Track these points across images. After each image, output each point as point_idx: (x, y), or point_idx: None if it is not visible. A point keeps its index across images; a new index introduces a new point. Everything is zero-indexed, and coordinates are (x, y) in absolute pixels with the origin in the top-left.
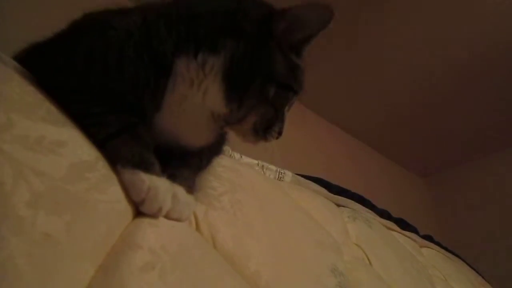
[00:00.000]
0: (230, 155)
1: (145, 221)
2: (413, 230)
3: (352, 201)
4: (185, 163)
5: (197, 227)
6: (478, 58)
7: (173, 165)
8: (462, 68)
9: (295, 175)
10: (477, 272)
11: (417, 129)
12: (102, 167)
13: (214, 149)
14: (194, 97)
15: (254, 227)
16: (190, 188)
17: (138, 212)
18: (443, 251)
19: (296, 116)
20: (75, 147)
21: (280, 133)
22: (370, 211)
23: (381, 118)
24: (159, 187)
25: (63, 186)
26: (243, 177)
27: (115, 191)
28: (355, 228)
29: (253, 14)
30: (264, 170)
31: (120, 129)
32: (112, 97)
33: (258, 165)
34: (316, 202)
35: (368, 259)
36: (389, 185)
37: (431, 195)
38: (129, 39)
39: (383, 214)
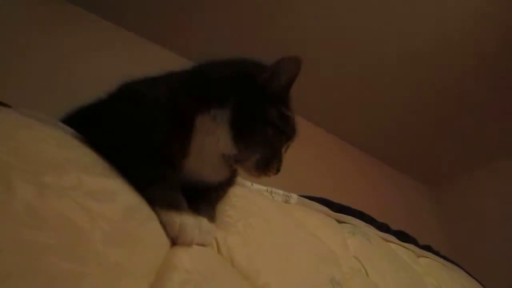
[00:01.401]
0: (243, 184)
1: (180, 249)
2: (412, 241)
3: (352, 218)
4: (206, 197)
5: (219, 250)
6: (485, 67)
7: (197, 200)
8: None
9: (300, 197)
10: (477, 280)
11: (423, 137)
12: (145, 208)
13: (228, 181)
14: (210, 143)
15: (264, 246)
16: (211, 218)
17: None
18: (441, 260)
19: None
20: (125, 194)
21: (278, 170)
22: (369, 225)
23: (387, 128)
24: (187, 224)
25: (121, 226)
26: (254, 203)
27: (156, 226)
28: (354, 242)
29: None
30: (273, 194)
31: (156, 177)
32: (149, 151)
33: (267, 190)
34: (319, 220)
35: (365, 270)
36: (394, 194)
37: (438, 203)
38: (159, 106)
39: (382, 227)
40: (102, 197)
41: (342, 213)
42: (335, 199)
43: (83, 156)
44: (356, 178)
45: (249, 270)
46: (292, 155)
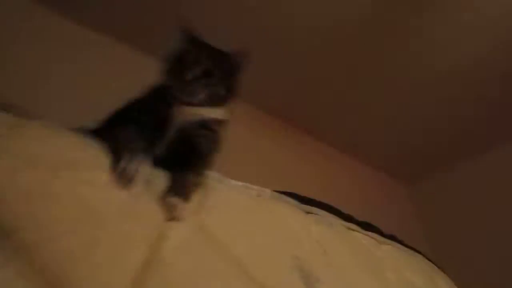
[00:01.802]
0: (221, 180)
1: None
2: (376, 231)
3: (319, 209)
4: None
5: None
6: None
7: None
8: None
9: (273, 192)
10: (436, 265)
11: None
12: (143, 197)
13: None
14: None
15: (237, 226)
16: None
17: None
18: (403, 247)
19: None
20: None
21: None
22: (334, 216)
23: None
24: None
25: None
26: (229, 194)
27: (153, 208)
28: (317, 229)
29: None
30: (247, 189)
31: None
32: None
33: (243, 186)
34: (287, 210)
35: (325, 250)
36: (371, 192)
37: (416, 203)
38: None
39: (348, 218)
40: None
41: (310, 205)
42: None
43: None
44: (328, 176)
45: (224, 243)
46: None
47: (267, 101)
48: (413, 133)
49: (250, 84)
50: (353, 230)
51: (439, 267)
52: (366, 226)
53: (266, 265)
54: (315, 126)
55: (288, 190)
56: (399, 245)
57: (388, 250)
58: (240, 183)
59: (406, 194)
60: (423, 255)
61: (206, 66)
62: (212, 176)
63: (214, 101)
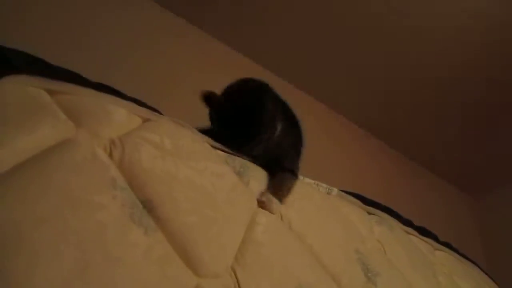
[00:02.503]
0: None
1: (261, 212)
2: (433, 237)
3: (381, 212)
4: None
5: (282, 218)
6: None
7: None
8: None
9: (340, 191)
10: (492, 279)
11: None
12: (241, 184)
13: None
14: None
15: (311, 219)
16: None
17: None
18: (456, 255)
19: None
20: (230, 174)
21: None
22: (394, 219)
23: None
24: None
25: (229, 193)
26: (306, 191)
27: (248, 196)
28: (379, 229)
29: None
30: (318, 187)
31: None
32: None
33: (314, 183)
34: (352, 209)
35: (384, 249)
36: (435, 202)
37: (478, 216)
38: None
39: (406, 222)
40: (216, 176)
41: (372, 207)
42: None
43: (207, 150)
44: (397, 182)
45: (300, 233)
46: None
47: (347, 108)
48: (480, 148)
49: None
50: (411, 234)
51: (492, 279)
52: (423, 232)
53: (334, 255)
54: (390, 134)
55: (355, 191)
56: (452, 253)
57: (442, 256)
58: (312, 181)
59: (469, 206)
60: (476, 264)
61: None
62: None
63: None
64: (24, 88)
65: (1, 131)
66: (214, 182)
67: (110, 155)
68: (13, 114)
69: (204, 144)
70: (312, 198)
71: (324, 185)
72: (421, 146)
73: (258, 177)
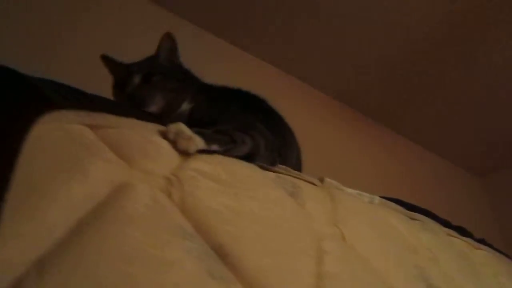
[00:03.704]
0: (338, 187)
1: (326, 236)
2: (470, 236)
3: (422, 215)
4: None
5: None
6: None
7: None
8: None
9: (381, 199)
10: None
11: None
12: (301, 210)
13: None
14: None
15: (367, 236)
16: None
17: None
18: (493, 252)
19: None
20: (284, 200)
21: None
22: (434, 221)
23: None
24: None
25: (291, 219)
26: (354, 204)
27: (307, 221)
28: (425, 236)
29: None
30: (361, 196)
31: None
32: None
33: (357, 193)
34: (397, 217)
35: (436, 258)
36: (445, 185)
37: (490, 195)
38: None
39: (445, 223)
40: (275, 203)
41: (412, 211)
42: (388, 192)
43: (259, 173)
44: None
45: (364, 256)
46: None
47: (356, 99)
48: (489, 128)
49: (341, 84)
50: (452, 236)
51: None
52: (461, 231)
53: (399, 275)
54: (395, 119)
55: (371, 187)
56: (490, 249)
57: (482, 255)
58: (354, 191)
59: (479, 186)
60: (509, 258)
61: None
62: (333, 184)
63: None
64: (65, 127)
65: (49, 183)
66: (276, 211)
67: (170, 197)
68: (59, 160)
69: (253, 166)
70: (362, 212)
71: (366, 194)
72: (427, 129)
73: (313, 196)
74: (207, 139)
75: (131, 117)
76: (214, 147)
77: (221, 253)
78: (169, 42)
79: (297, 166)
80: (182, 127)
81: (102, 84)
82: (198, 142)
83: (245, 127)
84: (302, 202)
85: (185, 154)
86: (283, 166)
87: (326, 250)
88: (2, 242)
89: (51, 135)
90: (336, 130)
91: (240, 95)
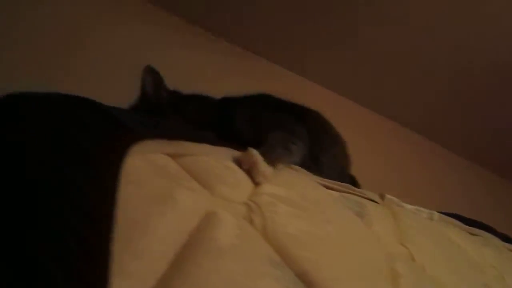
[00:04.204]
0: (401, 205)
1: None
2: None
3: (481, 230)
4: None
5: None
6: None
7: None
8: None
9: (440, 214)
10: None
11: None
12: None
13: None
14: None
15: (435, 255)
16: None
17: None
18: None
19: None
20: (356, 222)
21: None
22: (494, 236)
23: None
24: None
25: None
26: (419, 222)
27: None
28: (488, 252)
29: None
30: (420, 213)
31: None
32: None
33: (416, 209)
34: (458, 234)
35: (502, 276)
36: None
37: None
38: None
39: (504, 238)
40: (347, 225)
41: (471, 226)
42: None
43: (327, 194)
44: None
45: (434, 277)
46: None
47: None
48: None
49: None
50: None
51: None
52: None
53: None
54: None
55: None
56: None
57: None
58: (413, 207)
59: None
60: None
61: None
62: (393, 201)
63: None
64: (150, 157)
65: (147, 218)
66: (349, 233)
67: (252, 224)
68: (150, 193)
69: (321, 187)
70: (425, 230)
71: (425, 210)
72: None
73: (377, 215)
74: (271, 162)
75: (204, 142)
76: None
77: (306, 280)
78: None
79: (341, 169)
80: (255, 159)
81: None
82: (269, 174)
83: (291, 134)
84: (369, 222)
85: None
86: (346, 184)
87: (400, 272)
88: (117, 284)
89: (139, 167)
90: (386, 146)
91: (268, 101)
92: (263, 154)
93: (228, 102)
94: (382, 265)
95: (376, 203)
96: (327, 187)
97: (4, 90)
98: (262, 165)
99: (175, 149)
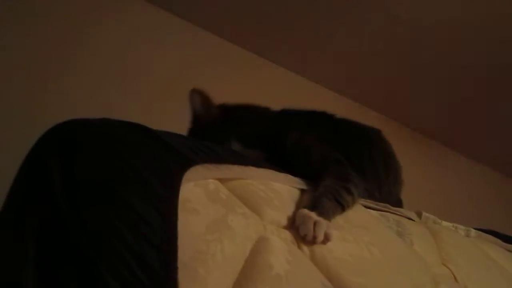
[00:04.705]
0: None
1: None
2: None
3: None
4: None
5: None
6: None
7: None
8: None
9: (477, 231)
10: None
11: None
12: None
13: None
14: None
15: (481, 278)
16: None
17: None
18: None
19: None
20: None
21: None
22: None
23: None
24: None
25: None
26: (460, 241)
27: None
28: None
29: None
30: (457, 230)
31: None
32: None
33: (452, 226)
34: (497, 251)
35: None
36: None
37: None
38: None
39: None
40: (390, 246)
41: (508, 243)
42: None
43: (369, 214)
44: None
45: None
46: None
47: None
48: None
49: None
50: None
51: None
52: None
53: None
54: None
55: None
56: None
57: None
58: (450, 224)
59: None
60: None
61: None
62: (430, 218)
63: None
64: (203, 183)
65: (206, 246)
66: (393, 254)
67: (300, 248)
68: (206, 220)
69: (361, 207)
70: (464, 248)
71: (462, 227)
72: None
73: (416, 234)
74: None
75: (249, 165)
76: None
77: None
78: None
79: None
80: (308, 224)
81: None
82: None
83: (342, 179)
84: (410, 241)
85: None
86: (382, 204)
87: None
88: None
89: (193, 193)
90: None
91: (328, 120)
92: (313, 207)
93: (286, 116)
94: (428, 287)
95: (413, 221)
96: (366, 207)
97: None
98: (317, 230)
99: (223, 173)
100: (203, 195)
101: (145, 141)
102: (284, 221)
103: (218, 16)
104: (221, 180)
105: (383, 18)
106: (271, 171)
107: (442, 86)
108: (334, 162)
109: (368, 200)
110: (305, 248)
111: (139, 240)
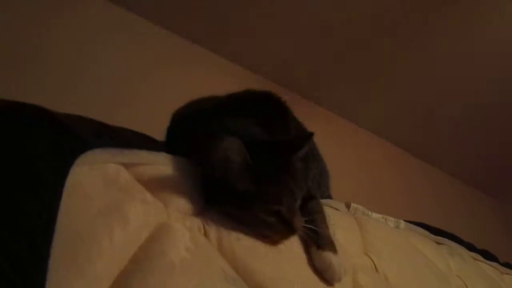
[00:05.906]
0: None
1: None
2: (495, 259)
3: (448, 240)
4: None
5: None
6: None
7: None
8: None
9: (406, 223)
10: None
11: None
12: None
13: None
14: None
15: (400, 263)
16: None
17: None
18: None
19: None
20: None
21: None
22: (461, 246)
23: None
24: None
25: None
26: (384, 231)
27: None
28: (453, 262)
29: None
30: (387, 221)
31: None
32: None
33: (382, 217)
34: (424, 243)
35: (466, 286)
36: (461, 207)
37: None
38: None
39: (470, 247)
40: None
41: (438, 235)
42: (403, 213)
43: None
44: (423, 191)
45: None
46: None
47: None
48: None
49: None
50: (479, 260)
51: None
52: (486, 255)
53: None
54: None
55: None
56: None
57: (510, 281)
58: (379, 215)
59: (493, 207)
60: None
61: None
62: (359, 209)
63: None
64: (101, 167)
65: (92, 232)
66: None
67: (207, 237)
68: (98, 205)
69: None
70: (390, 239)
71: (392, 219)
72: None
73: (341, 224)
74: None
75: (162, 151)
76: None
77: None
78: None
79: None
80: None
81: None
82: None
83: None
84: (332, 232)
85: None
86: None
87: (361, 284)
88: None
89: (88, 178)
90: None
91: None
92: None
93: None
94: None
95: (341, 212)
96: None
97: None
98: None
99: (129, 158)
100: (99, 179)
101: (42, 125)
102: (193, 209)
103: None
104: (126, 165)
105: None
106: (184, 158)
107: None
108: None
109: None
110: (212, 236)
111: (13, 233)
